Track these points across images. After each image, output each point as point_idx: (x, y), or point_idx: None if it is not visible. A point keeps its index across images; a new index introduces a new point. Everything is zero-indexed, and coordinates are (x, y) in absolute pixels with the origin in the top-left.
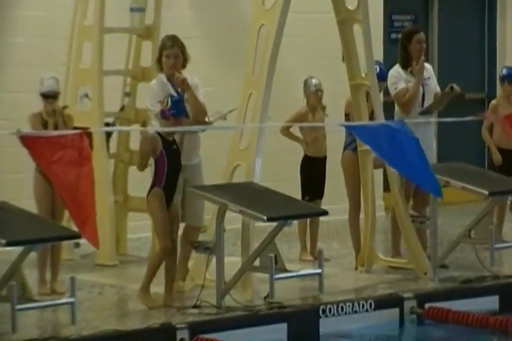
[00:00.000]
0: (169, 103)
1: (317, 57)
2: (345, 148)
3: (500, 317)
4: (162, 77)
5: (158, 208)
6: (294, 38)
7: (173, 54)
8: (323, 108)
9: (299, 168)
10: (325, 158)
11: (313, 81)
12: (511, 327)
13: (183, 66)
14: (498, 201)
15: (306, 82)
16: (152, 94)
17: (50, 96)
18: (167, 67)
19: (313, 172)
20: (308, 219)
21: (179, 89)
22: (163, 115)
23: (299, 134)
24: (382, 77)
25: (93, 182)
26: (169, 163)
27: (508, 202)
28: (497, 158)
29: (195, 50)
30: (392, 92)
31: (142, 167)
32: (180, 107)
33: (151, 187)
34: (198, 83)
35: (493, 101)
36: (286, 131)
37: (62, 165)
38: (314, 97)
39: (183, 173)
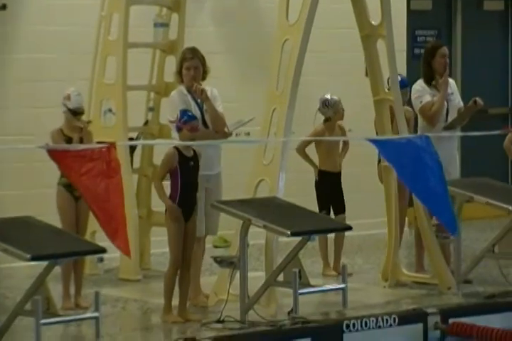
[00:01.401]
0: (178, 115)
1: (340, 72)
2: (379, 162)
3: None
4: (182, 88)
5: (172, 223)
6: (318, 53)
7: (193, 65)
8: (341, 127)
9: None
10: (339, 173)
11: (336, 99)
12: None
13: (203, 78)
14: None
15: (328, 101)
16: (172, 106)
17: (79, 113)
18: (187, 78)
19: (327, 186)
20: (333, 234)
21: (199, 100)
22: (178, 128)
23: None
24: (403, 83)
25: (122, 192)
26: (183, 180)
27: None
28: None
29: (218, 65)
30: (417, 106)
31: (158, 180)
32: (189, 114)
33: None
34: (217, 95)
35: None
36: (302, 151)
37: (91, 177)
38: (341, 115)
39: (206, 183)
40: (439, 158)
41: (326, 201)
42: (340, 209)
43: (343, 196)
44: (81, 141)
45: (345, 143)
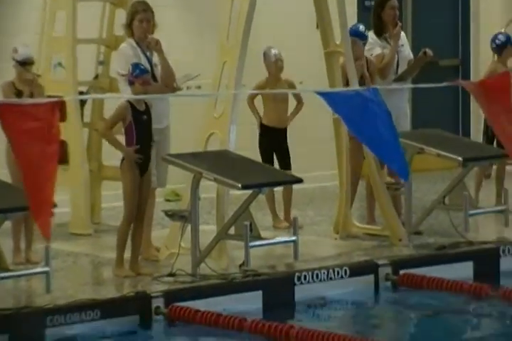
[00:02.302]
0: (130, 68)
1: (291, 24)
2: None
3: (474, 283)
4: (131, 41)
5: (129, 178)
6: (268, 5)
7: (146, 18)
8: (290, 84)
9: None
10: (284, 129)
11: (273, 51)
12: (485, 293)
13: (152, 31)
14: (472, 167)
15: (265, 53)
16: (123, 58)
17: (28, 63)
18: (140, 31)
19: (270, 141)
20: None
21: (148, 54)
22: (130, 82)
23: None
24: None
25: (55, 166)
26: (138, 134)
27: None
28: None
29: (169, 18)
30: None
31: (107, 129)
32: (141, 67)
33: (123, 157)
34: (165, 49)
35: (491, 66)
36: (249, 103)
37: (30, 138)
38: (275, 67)
39: (154, 136)
40: (387, 107)
41: (268, 157)
42: (285, 166)
43: (287, 153)
44: (32, 95)
45: (299, 102)
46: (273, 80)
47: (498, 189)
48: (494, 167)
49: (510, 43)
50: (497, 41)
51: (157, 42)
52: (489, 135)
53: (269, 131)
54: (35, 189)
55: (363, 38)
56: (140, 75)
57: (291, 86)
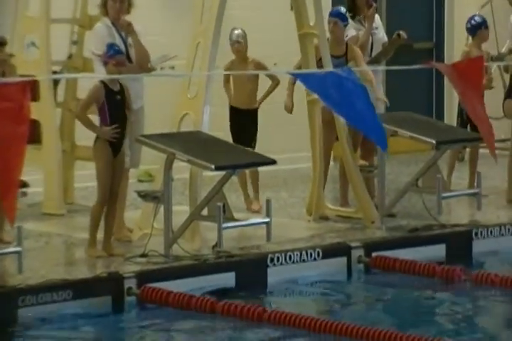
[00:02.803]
0: (105, 48)
1: (266, 6)
2: None
3: (446, 266)
4: (107, 21)
5: (102, 159)
6: None
7: None
8: (257, 64)
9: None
10: (252, 110)
11: (235, 32)
12: (457, 276)
13: (128, 11)
14: (445, 150)
15: (229, 35)
16: (98, 38)
17: (1, 43)
18: (113, 11)
19: (237, 123)
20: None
21: (123, 34)
22: (104, 62)
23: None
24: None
25: (24, 148)
26: (112, 114)
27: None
28: None
29: None
30: None
31: (81, 111)
32: (116, 48)
33: (97, 137)
34: (140, 30)
35: (465, 49)
36: (224, 85)
37: (0, 118)
38: (233, 49)
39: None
40: (362, 83)
41: (237, 138)
42: (249, 146)
43: (254, 136)
44: (4, 75)
45: (273, 80)
46: (239, 62)
47: (471, 172)
48: (467, 150)
49: (484, 26)
50: (472, 22)
51: (129, 25)
52: (463, 118)
53: (238, 113)
54: (3, 170)
55: (344, 19)
56: (114, 56)
57: (259, 66)
